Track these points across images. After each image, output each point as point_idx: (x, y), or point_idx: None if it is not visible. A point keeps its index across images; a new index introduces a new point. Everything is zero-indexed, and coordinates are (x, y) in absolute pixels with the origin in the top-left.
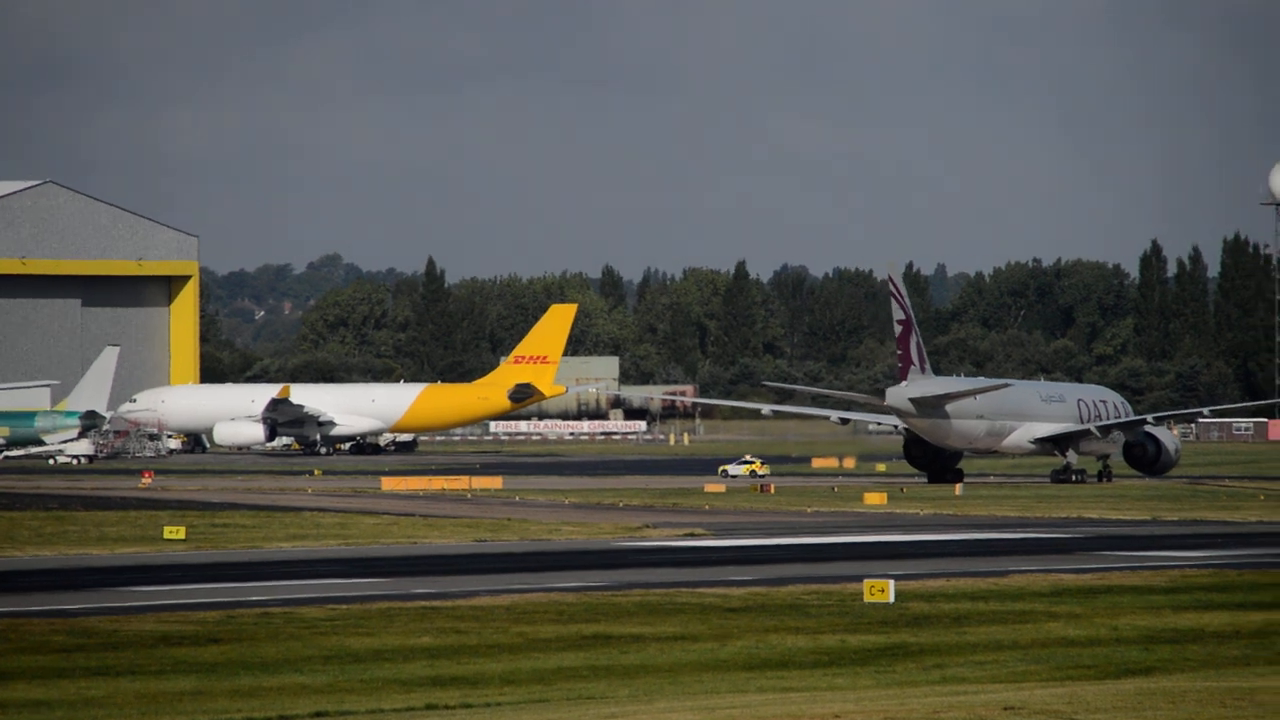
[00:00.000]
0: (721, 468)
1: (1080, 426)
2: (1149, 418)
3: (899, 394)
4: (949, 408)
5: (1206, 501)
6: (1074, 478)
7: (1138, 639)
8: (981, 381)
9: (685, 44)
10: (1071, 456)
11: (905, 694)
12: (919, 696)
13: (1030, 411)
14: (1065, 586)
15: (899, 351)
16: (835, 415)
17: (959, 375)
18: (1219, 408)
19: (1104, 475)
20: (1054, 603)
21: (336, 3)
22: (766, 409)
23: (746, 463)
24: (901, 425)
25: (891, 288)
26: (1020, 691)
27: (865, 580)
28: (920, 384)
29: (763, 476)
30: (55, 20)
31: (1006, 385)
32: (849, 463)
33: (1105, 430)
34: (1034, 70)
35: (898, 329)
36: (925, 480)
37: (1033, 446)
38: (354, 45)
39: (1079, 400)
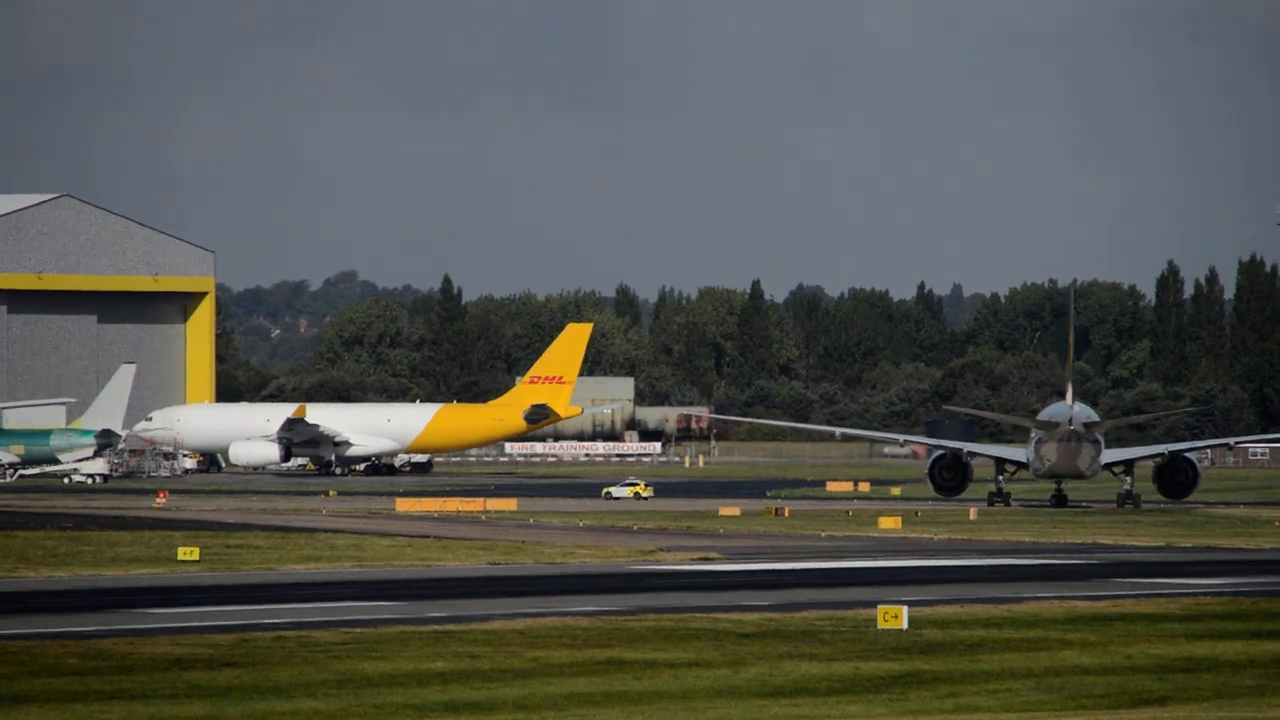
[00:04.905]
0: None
1: (1155, 449)
2: (1229, 441)
3: (1080, 414)
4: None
5: (1221, 528)
6: (1139, 504)
7: (1152, 667)
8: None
9: (700, 62)
10: (1130, 480)
11: None
12: None
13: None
14: (1080, 614)
15: (1074, 376)
16: (903, 439)
17: (974, 399)
18: None
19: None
20: (1068, 630)
21: (351, 17)
22: (838, 432)
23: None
24: (962, 449)
25: (1070, 314)
26: None
27: (879, 606)
28: (1084, 409)
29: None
30: (71, 33)
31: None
32: (864, 486)
33: (1176, 453)
34: (1050, 89)
35: (1071, 353)
36: (942, 500)
37: (1100, 470)
38: (369, 61)
39: None
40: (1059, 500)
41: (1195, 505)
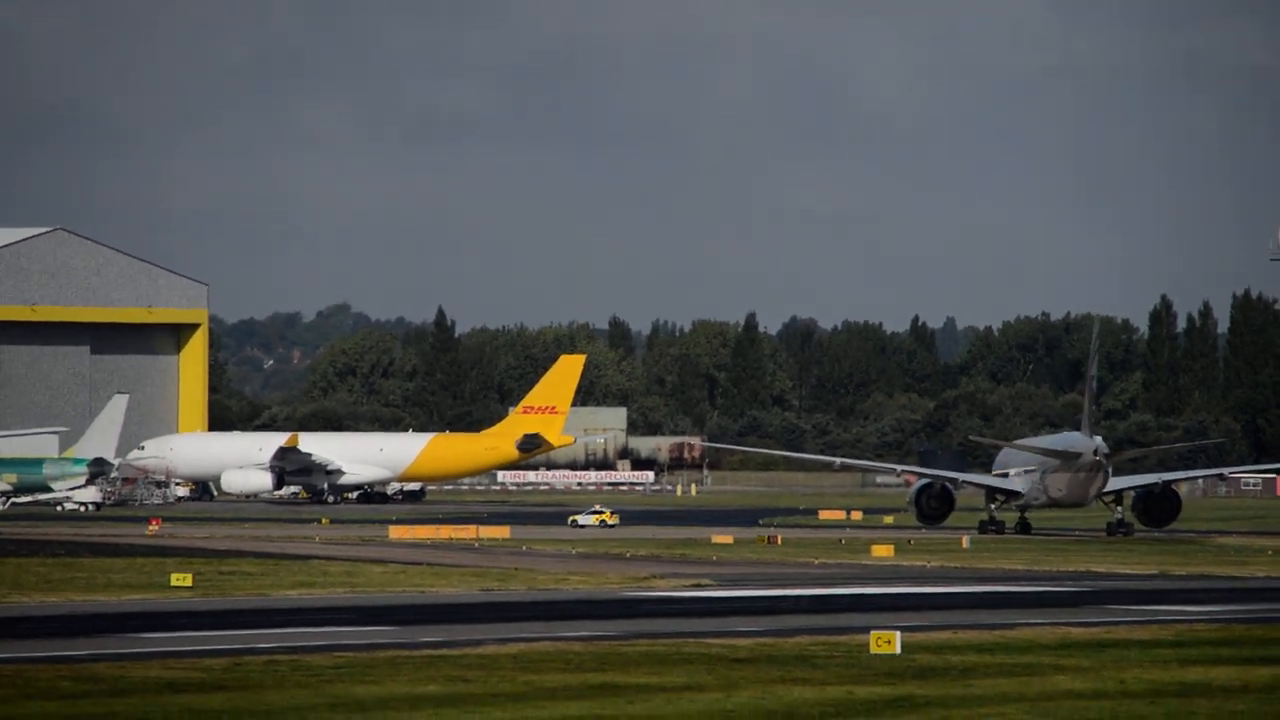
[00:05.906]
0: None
1: (1149, 479)
2: (1224, 471)
3: (1102, 446)
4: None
5: (1214, 556)
6: (1131, 532)
7: (1144, 693)
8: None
9: (694, 97)
10: (1120, 509)
11: None
12: None
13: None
14: (1072, 640)
15: (1092, 406)
16: (900, 468)
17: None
18: None
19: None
20: (1061, 656)
21: (343, 53)
22: (838, 462)
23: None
24: (956, 479)
25: (1094, 345)
26: None
27: (872, 631)
28: (1100, 440)
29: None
30: (64, 70)
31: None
32: (856, 515)
33: (1174, 482)
34: (1043, 125)
35: (1092, 384)
36: (927, 528)
37: (1095, 498)
38: (362, 95)
39: None
40: (1024, 527)
41: (1182, 533)
